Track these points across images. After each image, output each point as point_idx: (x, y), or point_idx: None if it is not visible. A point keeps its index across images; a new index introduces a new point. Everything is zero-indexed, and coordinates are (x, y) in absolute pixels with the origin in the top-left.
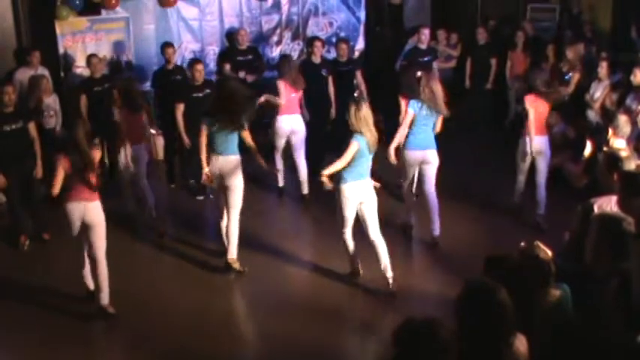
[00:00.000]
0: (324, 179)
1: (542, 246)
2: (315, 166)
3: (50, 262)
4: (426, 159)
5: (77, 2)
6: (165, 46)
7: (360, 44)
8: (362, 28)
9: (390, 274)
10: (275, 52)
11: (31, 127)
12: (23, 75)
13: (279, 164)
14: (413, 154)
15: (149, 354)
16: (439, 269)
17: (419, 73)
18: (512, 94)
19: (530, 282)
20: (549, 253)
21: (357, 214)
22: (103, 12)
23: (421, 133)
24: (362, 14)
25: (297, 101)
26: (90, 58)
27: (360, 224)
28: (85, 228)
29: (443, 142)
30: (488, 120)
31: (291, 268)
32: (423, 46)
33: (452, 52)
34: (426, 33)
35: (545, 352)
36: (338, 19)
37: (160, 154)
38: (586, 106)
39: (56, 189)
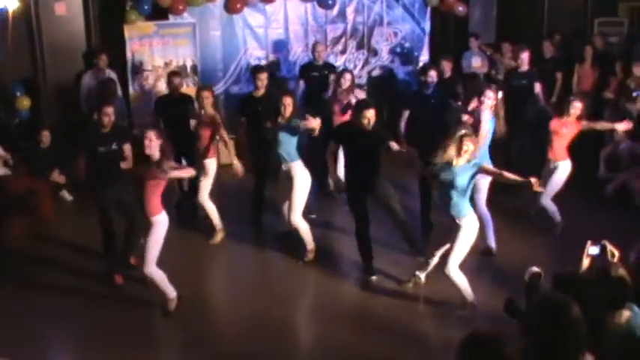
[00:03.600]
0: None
1: (618, 264)
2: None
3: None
4: None
5: (145, 7)
6: (258, 71)
7: (424, 55)
8: (426, 39)
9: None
10: (339, 61)
11: (127, 148)
12: (91, 78)
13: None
14: None
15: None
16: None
17: None
18: None
19: (602, 301)
20: (624, 272)
21: None
22: (170, 17)
23: None
24: (427, 25)
25: None
26: (171, 77)
27: None
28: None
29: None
30: None
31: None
32: (523, 69)
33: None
34: (524, 57)
35: None
36: (403, 29)
37: None
38: None
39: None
